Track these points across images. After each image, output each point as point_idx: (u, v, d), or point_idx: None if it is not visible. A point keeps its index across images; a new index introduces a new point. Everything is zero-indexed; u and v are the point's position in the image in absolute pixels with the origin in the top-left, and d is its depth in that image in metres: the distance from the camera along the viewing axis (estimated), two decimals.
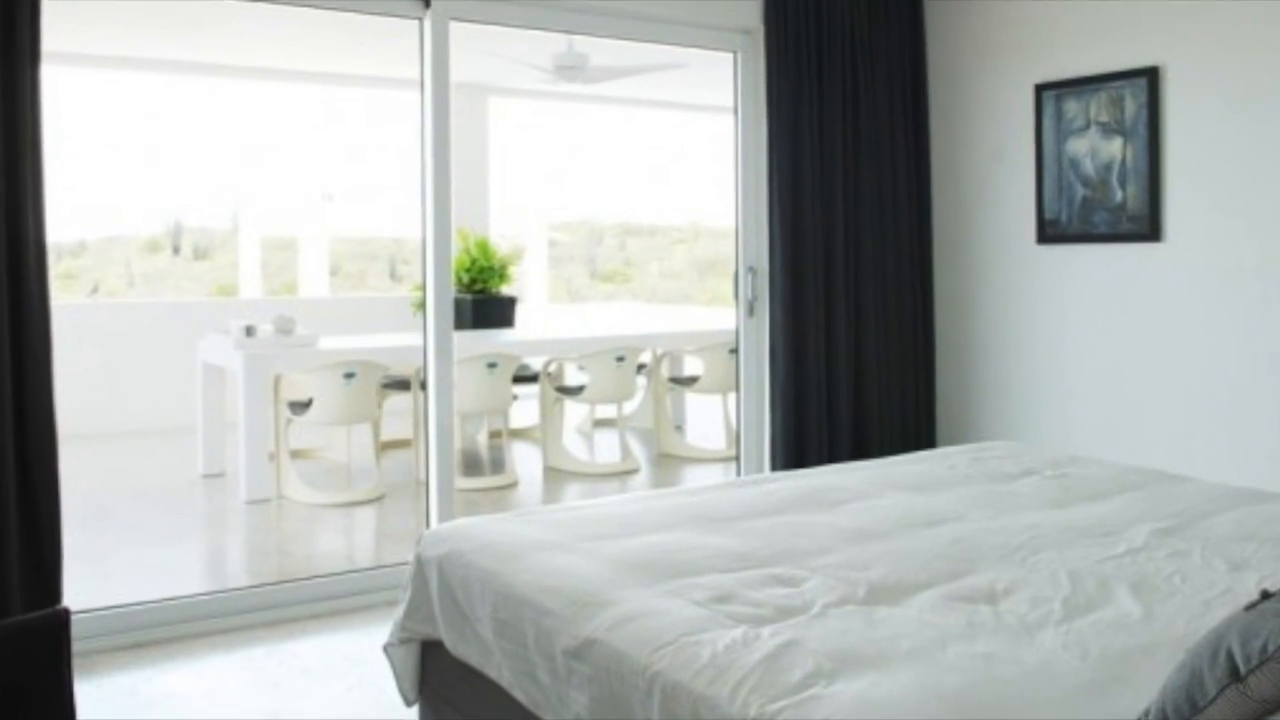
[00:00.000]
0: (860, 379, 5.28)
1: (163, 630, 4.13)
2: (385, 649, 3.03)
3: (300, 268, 11.59)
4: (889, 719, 1.80)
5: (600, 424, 8.75)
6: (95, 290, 11.09)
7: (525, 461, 7.75)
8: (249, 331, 6.75)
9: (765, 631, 2.15)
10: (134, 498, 6.87)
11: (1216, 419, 4.53)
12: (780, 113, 5.07)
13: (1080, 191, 4.95)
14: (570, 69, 7.95)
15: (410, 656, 2.99)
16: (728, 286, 5.53)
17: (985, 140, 5.37)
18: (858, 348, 5.27)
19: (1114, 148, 4.82)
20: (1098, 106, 4.87)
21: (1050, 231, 5.09)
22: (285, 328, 6.90)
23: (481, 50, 7.58)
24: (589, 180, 12.92)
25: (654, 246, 14.89)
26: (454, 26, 4.61)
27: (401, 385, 7.19)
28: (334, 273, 11.99)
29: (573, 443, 8.14)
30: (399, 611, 2.98)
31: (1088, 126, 4.91)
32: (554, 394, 7.51)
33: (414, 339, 5.42)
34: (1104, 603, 2.32)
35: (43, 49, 3.66)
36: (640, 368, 7.85)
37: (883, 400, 5.32)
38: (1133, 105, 4.74)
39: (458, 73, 4.67)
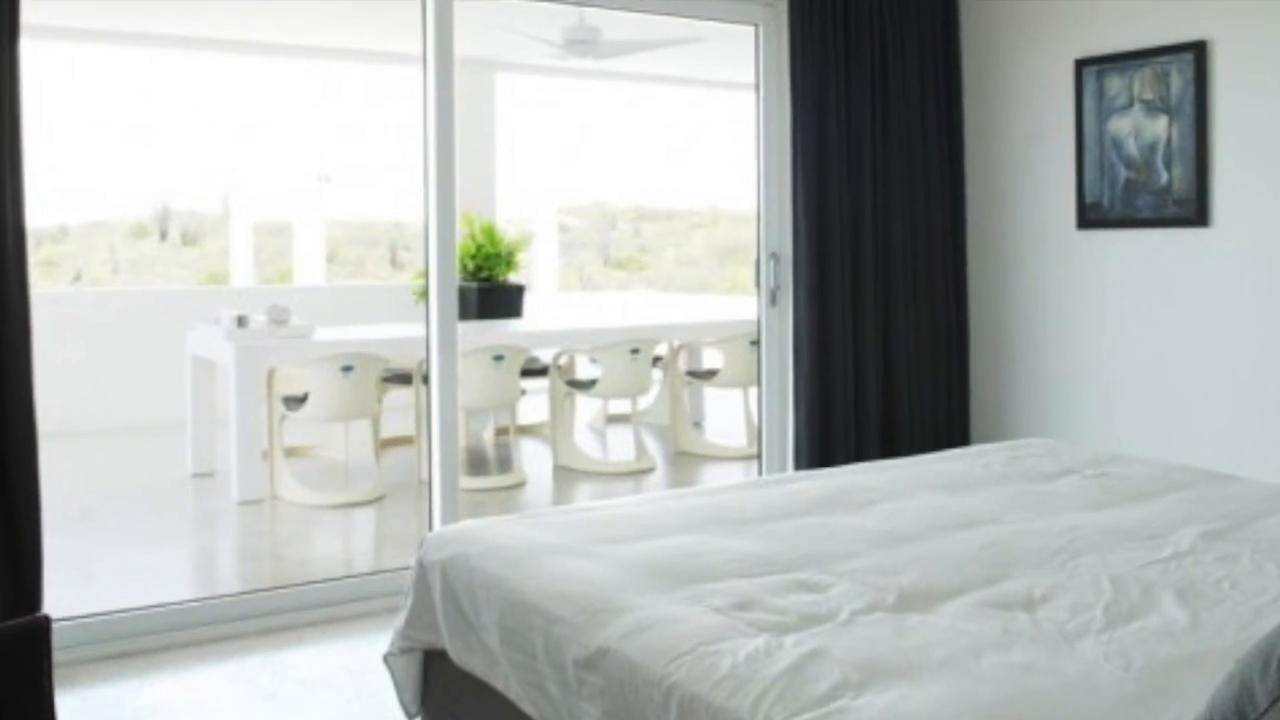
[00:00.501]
0: (889, 372, 5.27)
1: (149, 639, 4.14)
2: (385, 659, 3.04)
3: (295, 254, 11.62)
4: None
5: (613, 420, 8.75)
6: (78, 278, 11.14)
7: (534, 460, 7.76)
8: (241, 322, 6.77)
9: (789, 640, 2.15)
10: (119, 498, 6.90)
11: (1268, 415, 4.51)
12: (804, 89, 5.06)
13: (1123, 173, 4.94)
14: (581, 43, 7.94)
15: (412, 667, 3.01)
16: (749, 274, 5.52)
17: (1022, 119, 5.35)
18: (887, 339, 5.26)
19: (1159, 127, 4.80)
20: (1142, 83, 4.85)
21: (1091, 216, 5.07)
22: (279, 318, 6.92)
23: (487, 23, 7.58)
24: (601, 162, 12.92)
25: (670, 232, 14.89)
26: None
27: (403, 379, 7.21)
28: (331, 259, 12.02)
29: (584, 440, 8.15)
30: (400, 619, 2.99)
31: (1131, 104, 4.89)
32: (564, 388, 7.52)
33: (416, 330, 5.43)
34: (1148, 610, 2.31)
35: (22, 22, 3.67)
36: (656, 360, 7.85)
37: (913, 395, 5.31)
38: (1179, 82, 4.72)
39: (462, 47, 4.67)
